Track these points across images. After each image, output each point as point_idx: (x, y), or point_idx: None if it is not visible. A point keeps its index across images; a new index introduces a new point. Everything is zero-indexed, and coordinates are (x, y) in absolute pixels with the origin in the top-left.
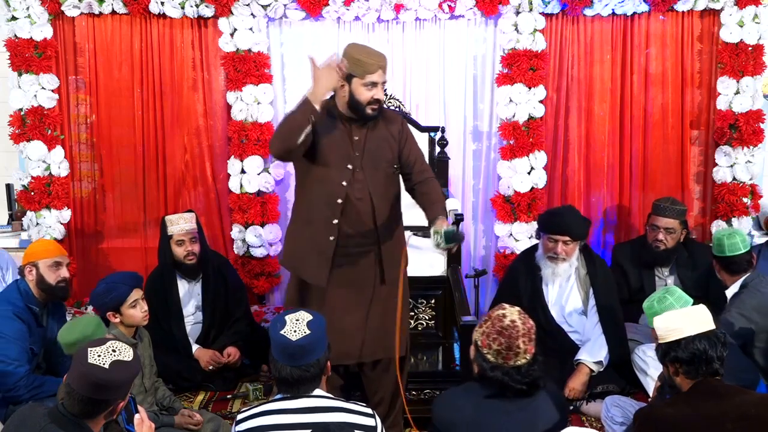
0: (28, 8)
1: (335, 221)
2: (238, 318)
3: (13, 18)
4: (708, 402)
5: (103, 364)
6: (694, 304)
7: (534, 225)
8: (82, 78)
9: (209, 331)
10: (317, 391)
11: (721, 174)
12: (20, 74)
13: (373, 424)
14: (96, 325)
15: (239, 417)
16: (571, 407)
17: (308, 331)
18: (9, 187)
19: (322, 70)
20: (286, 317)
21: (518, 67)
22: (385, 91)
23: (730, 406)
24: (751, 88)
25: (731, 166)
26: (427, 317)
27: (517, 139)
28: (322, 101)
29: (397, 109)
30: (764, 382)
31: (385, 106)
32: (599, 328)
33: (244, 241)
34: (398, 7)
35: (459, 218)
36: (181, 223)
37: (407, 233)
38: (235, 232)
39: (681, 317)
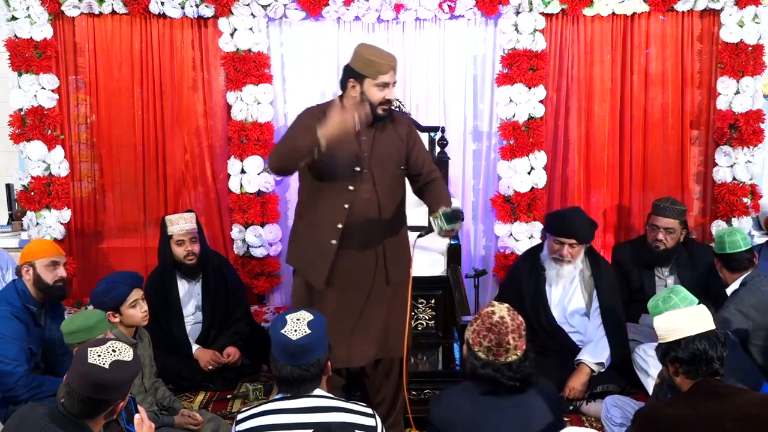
0: (28, 8)
1: (340, 225)
2: (238, 318)
3: (13, 18)
4: (708, 402)
5: (103, 364)
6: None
7: (534, 225)
8: (82, 78)
9: (209, 331)
10: (317, 391)
11: (721, 174)
12: (20, 74)
13: (374, 424)
14: (99, 318)
15: (239, 417)
16: (571, 407)
17: (309, 331)
18: (9, 187)
19: (343, 114)
20: (287, 316)
21: (518, 67)
22: None
23: (730, 406)
24: (751, 88)
25: (731, 166)
26: (427, 317)
27: (517, 139)
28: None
29: (398, 109)
30: (763, 379)
31: None
32: (602, 330)
33: (244, 241)
34: (398, 7)
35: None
36: (181, 223)
37: (411, 234)
38: (235, 232)
39: (681, 317)
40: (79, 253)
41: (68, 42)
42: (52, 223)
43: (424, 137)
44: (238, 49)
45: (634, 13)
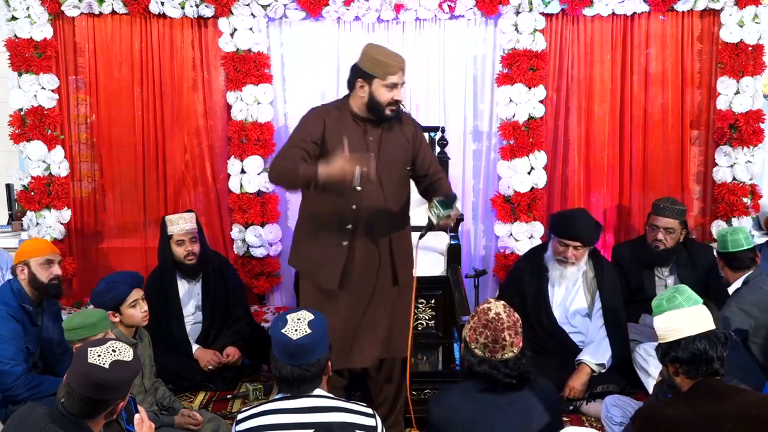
0: (28, 8)
1: (349, 226)
2: (237, 318)
3: (13, 18)
4: (708, 402)
5: (103, 364)
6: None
7: (534, 225)
8: (82, 78)
9: (209, 331)
10: (318, 391)
11: (721, 174)
12: (20, 74)
13: (374, 424)
14: (101, 317)
15: (239, 417)
16: (571, 407)
17: (309, 331)
18: (9, 187)
19: (346, 165)
20: (288, 316)
21: (518, 67)
22: None
23: (730, 406)
24: (751, 88)
25: (731, 166)
26: (427, 317)
27: (517, 139)
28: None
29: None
30: (765, 379)
31: None
32: (604, 331)
33: (244, 241)
34: (398, 7)
35: (459, 218)
36: (181, 223)
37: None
38: (235, 232)
39: (681, 317)
40: (79, 253)
41: (68, 42)
42: (52, 223)
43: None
44: (238, 49)
45: (634, 13)
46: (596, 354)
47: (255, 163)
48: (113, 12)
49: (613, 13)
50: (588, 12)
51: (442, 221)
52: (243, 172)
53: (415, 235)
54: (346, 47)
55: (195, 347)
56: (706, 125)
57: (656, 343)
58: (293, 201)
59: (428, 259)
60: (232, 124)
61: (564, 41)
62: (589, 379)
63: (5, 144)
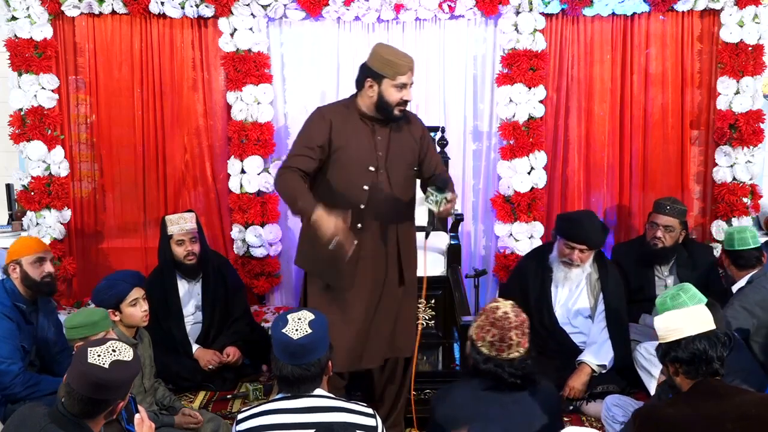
0: (28, 8)
1: (359, 225)
2: (237, 318)
3: (13, 18)
4: (708, 402)
5: (103, 363)
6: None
7: (534, 225)
8: (82, 78)
9: (209, 331)
10: (318, 391)
11: (721, 174)
12: (20, 74)
13: (374, 424)
14: (102, 316)
15: (239, 416)
16: (571, 407)
17: (310, 330)
18: (9, 187)
19: (332, 229)
20: (288, 316)
21: (518, 67)
22: None
23: (730, 406)
24: (751, 88)
25: (731, 166)
26: (427, 317)
27: (517, 139)
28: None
29: None
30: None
31: None
32: (606, 332)
33: (244, 241)
34: (398, 7)
35: (459, 218)
36: (181, 223)
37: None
38: (235, 232)
39: (681, 317)
40: (79, 253)
41: (68, 42)
42: (52, 223)
43: None
44: (238, 49)
45: (634, 13)
46: (598, 355)
47: (255, 163)
48: (113, 12)
49: (613, 14)
50: (588, 12)
51: (442, 206)
52: (243, 172)
53: (420, 236)
54: (346, 47)
55: (195, 347)
56: (706, 125)
57: (657, 343)
58: None
59: (428, 259)
60: (232, 124)
61: (564, 41)
62: (590, 379)
63: (5, 144)
